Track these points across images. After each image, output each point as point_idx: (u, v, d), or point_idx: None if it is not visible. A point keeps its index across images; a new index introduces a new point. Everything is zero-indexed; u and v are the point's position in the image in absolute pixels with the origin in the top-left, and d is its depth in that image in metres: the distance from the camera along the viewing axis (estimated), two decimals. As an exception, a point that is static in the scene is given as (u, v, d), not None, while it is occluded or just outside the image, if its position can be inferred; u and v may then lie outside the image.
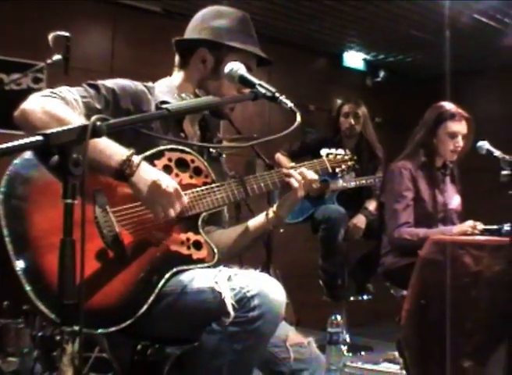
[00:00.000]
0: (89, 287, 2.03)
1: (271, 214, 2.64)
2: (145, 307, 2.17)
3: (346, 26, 7.52)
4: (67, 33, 4.15)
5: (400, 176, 4.38)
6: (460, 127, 4.41)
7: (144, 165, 2.21)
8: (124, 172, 2.15)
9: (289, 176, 2.57)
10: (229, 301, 2.11)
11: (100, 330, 2.09)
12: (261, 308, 2.10)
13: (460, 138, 4.41)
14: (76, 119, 2.15)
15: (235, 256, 2.82)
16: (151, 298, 2.20)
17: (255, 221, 2.68)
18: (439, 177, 4.53)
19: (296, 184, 2.55)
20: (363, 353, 5.84)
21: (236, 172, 3.84)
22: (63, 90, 2.32)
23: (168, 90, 2.60)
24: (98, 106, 2.35)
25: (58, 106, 2.22)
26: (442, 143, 4.42)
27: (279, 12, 6.95)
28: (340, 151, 2.83)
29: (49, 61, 4.27)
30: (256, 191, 2.53)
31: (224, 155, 2.86)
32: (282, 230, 5.37)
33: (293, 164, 2.69)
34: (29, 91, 4.56)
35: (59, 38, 4.15)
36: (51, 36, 4.12)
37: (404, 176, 4.38)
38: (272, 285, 2.20)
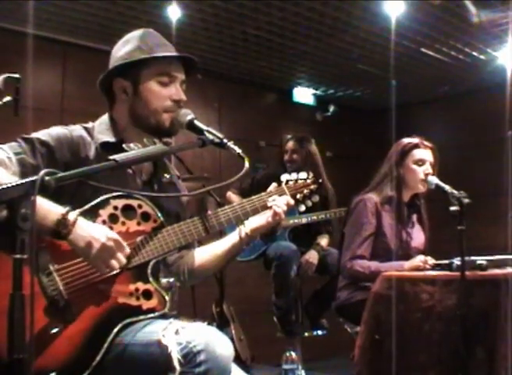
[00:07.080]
0: (37, 348, 2.01)
1: (244, 234, 2.64)
2: (93, 364, 2.15)
3: (295, 63, 7.61)
4: (17, 75, 4.13)
5: (364, 209, 4.26)
6: (426, 154, 4.30)
7: (81, 221, 2.18)
8: (60, 232, 2.13)
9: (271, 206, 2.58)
10: (176, 356, 2.08)
11: None
12: (207, 364, 2.07)
13: (428, 165, 4.27)
14: (7, 179, 2.09)
15: (210, 275, 2.82)
16: (100, 354, 2.17)
17: (228, 241, 2.69)
18: (405, 213, 4.36)
19: (282, 213, 2.57)
20: (319, 389, 5.82)
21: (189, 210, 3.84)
22: None
23: (107, 128, 2.59)
24: (33, 162, 2.33)
25: None
26: (410, 172, 4.28)
27: (227, 49, 7.02)
28: (302, 174, 2.73)
29: (-1, 103, 4.26)
30: (224, 224, 2.51)
31: (179, 180, 2.86)
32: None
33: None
34: (-22, 131, 4.55)
35: (9, 80, 4.13)
36: (0, 78, 4.11)
37: (368, 209, 4.25)
38: (220, 340, 2.17)
